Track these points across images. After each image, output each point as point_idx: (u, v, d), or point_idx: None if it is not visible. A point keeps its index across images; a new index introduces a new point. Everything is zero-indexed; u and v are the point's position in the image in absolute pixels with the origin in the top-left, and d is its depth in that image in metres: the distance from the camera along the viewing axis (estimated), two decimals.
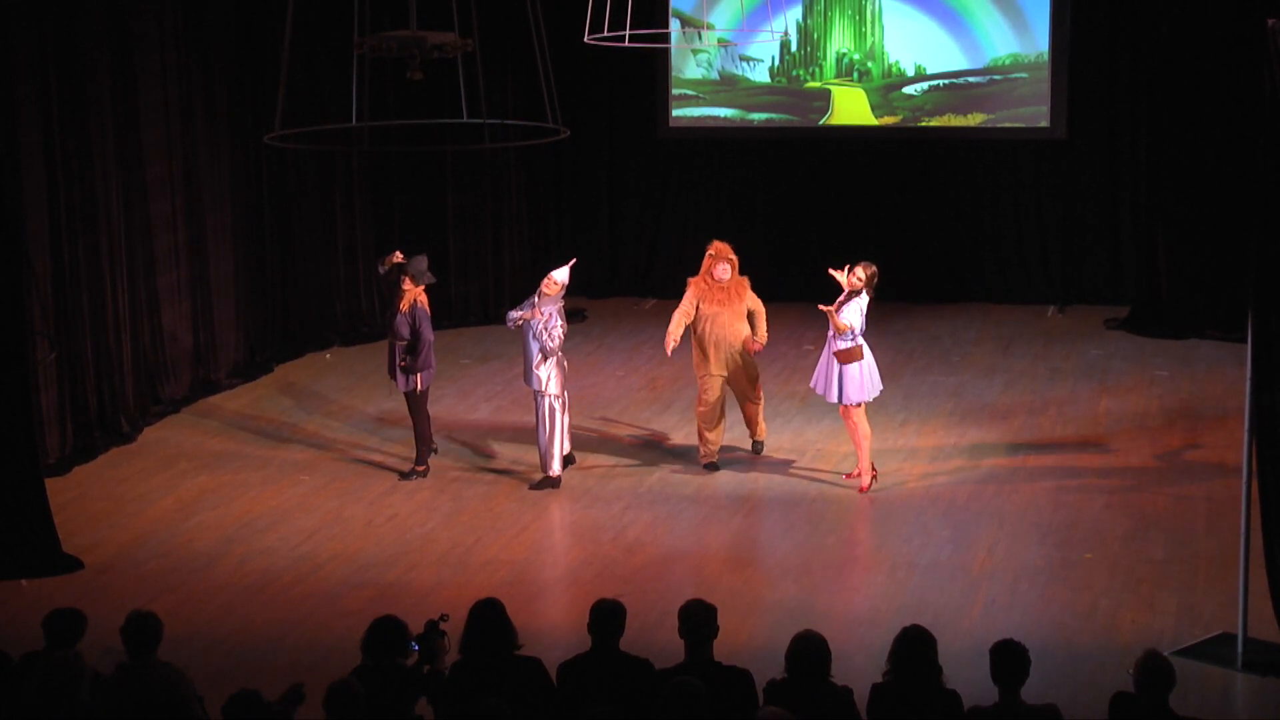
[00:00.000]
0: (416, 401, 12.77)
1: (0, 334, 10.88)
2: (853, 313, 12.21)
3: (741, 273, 12.92)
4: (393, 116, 15.79)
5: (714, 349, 12.78)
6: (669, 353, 12.95)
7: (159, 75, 14.51)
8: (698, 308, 12.79)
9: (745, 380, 12.97)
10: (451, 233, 17.74)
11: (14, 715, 7.09)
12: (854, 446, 12.55)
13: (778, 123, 18.34)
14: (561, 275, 12.52)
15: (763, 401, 13.31)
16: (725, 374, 12.85)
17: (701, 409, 12.96)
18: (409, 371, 12.67)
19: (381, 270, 12.79)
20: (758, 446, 13.31)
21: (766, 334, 12.95)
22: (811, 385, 12.72)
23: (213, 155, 15.36)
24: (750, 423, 13.26)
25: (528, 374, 12.52)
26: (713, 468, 13.01)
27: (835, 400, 12.38)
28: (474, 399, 14.99)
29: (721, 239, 13.07)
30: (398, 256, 12.71)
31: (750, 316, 12.87)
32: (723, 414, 13.03)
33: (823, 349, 12.54)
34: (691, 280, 12.93)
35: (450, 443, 13.65)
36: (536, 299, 12.44)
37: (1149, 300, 16.95)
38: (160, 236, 14.62)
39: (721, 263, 12.77)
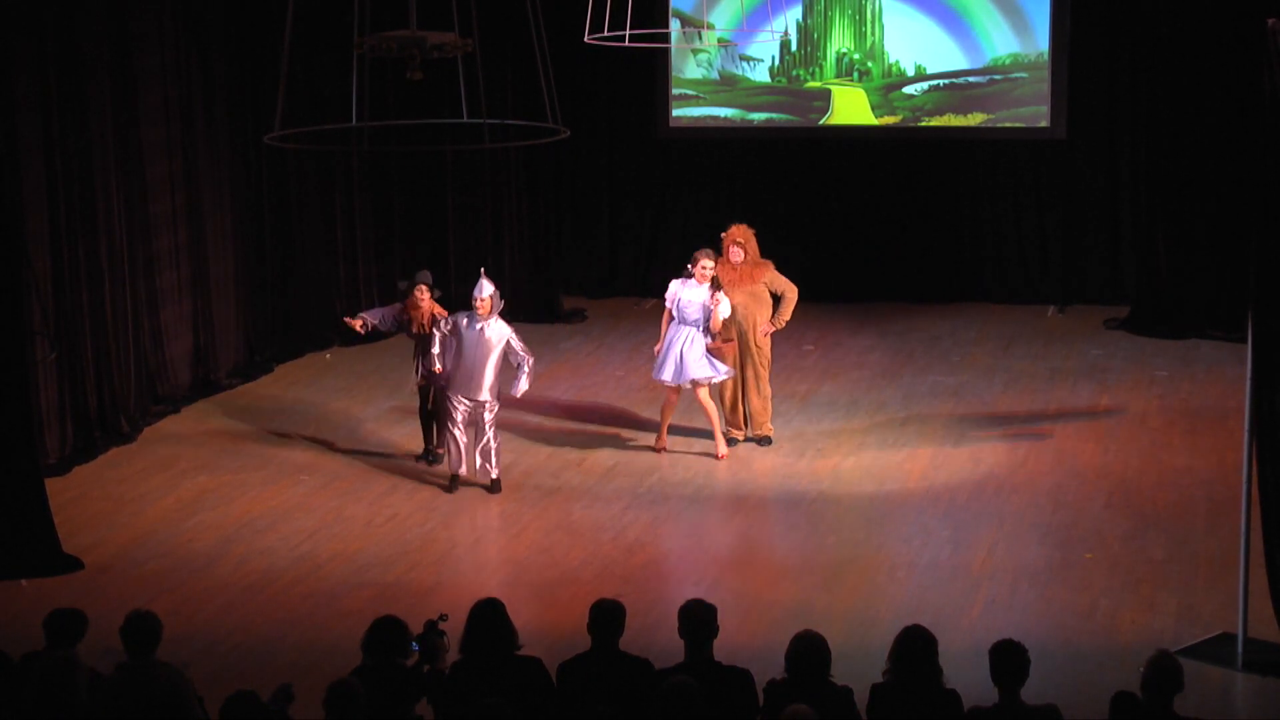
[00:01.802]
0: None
1: (0, 334, 10.87)
2: (725, 303, 12.81)
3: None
4: (393, 116, 15.78)
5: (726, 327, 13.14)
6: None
7: (159, 75, 14.51)
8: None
9: (749, 367, 13.15)
10: (451, 233, 17.74)
11: (14, 715, 7.09)
12: (710, 423, 13.14)
13: (778, 123, 18.34)
14: (486, 290, 12.29)
15: (766, 399, 13.32)
16: (736, 353, 13.21)
17: (721, 394, 13.40)
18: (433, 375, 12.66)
19: (403, 287, 12.97)
20: (763, 441, 13.37)
21: (786, 320, 13.24)
22: (661, 378, 13.06)
23: (213, 155, 15.35)
24: (750, 415, 13.34)
25: (474, 386, 12.29)
26: (734, 442, 13.36)
27: (687, 381, 12.90)
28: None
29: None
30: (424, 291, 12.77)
31: (777, 300, 13.21)
32: (738, 400, 13.38)
33: (678, 341, 12.89)
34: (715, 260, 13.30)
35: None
36: (464, 321, 12.28)
37: (1149, 300, 16.95)
38: (160, 236, 14.62)
39: (731, 245, 13.04)
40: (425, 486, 12.76)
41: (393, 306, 13.12)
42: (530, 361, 12.42)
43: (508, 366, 12.44)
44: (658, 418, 13.74)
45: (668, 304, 13.03)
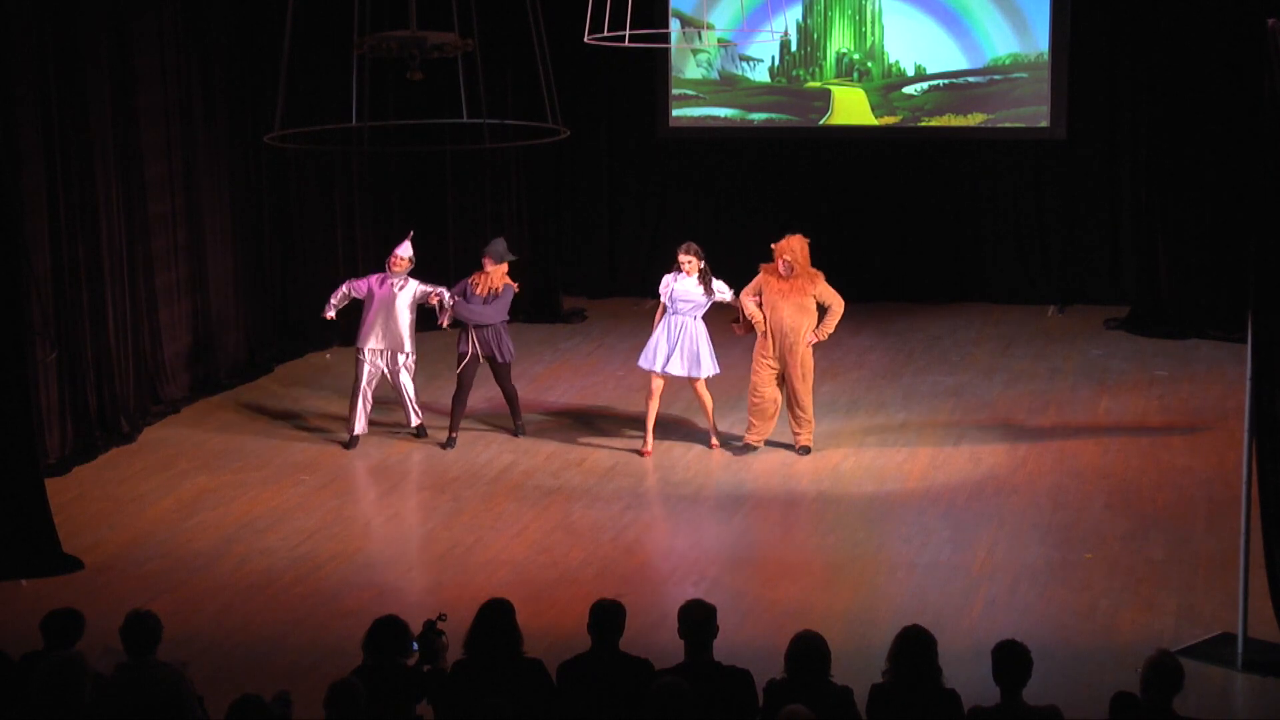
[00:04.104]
0: (508, 371, 13.75)
1: (0, 334, 10.87)
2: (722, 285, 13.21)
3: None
4: (393, 116, 15.78)
5: (771, 337, 13.10)
6: (760, 334, 13.16)
7: (159, 75, 14.51)
8: (764, 294, 13.16)
9: (793, 379, 13.04)
10: (451, 233, 17.74)
11: (14, 715, 7.08)
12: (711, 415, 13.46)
13: (778, 123, 18.34)
14: (407, 251, 13.48)
15: (806, 410, 13.18)
16: (778, 364, 13.08)
17: (754, 398, 13.23)
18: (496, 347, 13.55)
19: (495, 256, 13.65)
20: (802, 451, 13.26)
21: (829, 332, 13.15)
22: (650, 367, 13.26)
23: (213, 155, 15.36)
24: (794, 422, 13.22)
25: (393, 340, 13.40)
26: (747, 449, 13.28)
27: (681, 373, 13.17)
28: (473, 399, 14.94)
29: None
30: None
31: (822, 311, 13.14)
32: (776, 409, 13.22)
33: (672, 332, 13.13)
34: (764, 266, 13.24)
35: (450, 442, 13.66)
36: (377, 280, 13.48)
37: (1149, 300, 16.96)
38: (160, 236, 14.63)
39: (780, 259, 13.11)
40: (425, 486, 12.77)
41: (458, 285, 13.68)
42: (444, 291, 13.42)
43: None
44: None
45: (663, 298, 13.23)
